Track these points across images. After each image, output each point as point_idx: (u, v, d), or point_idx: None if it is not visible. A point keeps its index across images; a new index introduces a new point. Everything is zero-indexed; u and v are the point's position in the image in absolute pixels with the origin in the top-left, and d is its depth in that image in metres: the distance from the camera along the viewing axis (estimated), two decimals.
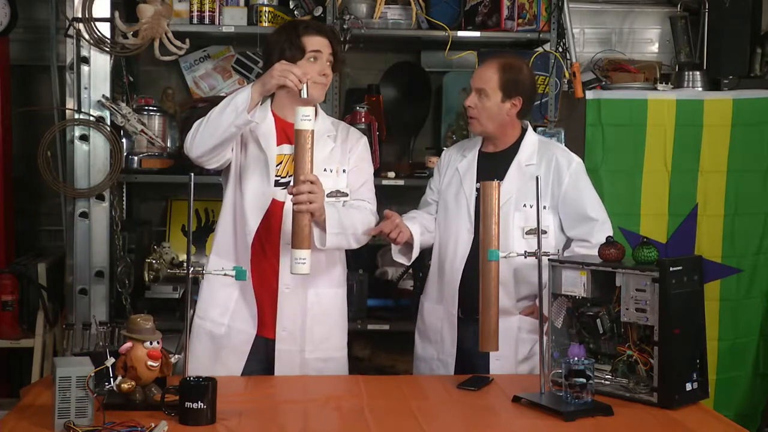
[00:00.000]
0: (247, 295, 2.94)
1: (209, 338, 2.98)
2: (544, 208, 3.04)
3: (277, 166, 2.94)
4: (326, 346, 3.02)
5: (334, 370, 3.03)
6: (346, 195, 2.99)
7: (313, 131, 2.68)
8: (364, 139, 3.11)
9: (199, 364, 2.84)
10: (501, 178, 3.05)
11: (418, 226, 3.12)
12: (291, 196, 2.73)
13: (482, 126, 3.11)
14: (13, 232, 4.27)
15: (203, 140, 2.82)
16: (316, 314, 2.98)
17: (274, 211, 2.92)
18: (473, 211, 3.08)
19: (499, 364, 3.03)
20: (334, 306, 3.05)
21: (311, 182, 2.71)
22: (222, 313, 2.97)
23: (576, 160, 3.14)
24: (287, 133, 2.93)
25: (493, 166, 3.13)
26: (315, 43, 2.91)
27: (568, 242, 3.12)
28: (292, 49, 2.88)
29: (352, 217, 2.93)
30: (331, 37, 2.95)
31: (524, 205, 3.05)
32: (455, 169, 3.21)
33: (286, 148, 2.94)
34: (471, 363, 3.06)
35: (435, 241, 3.23)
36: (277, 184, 2.93)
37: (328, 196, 2.87)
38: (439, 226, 3.22)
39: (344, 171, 3.01)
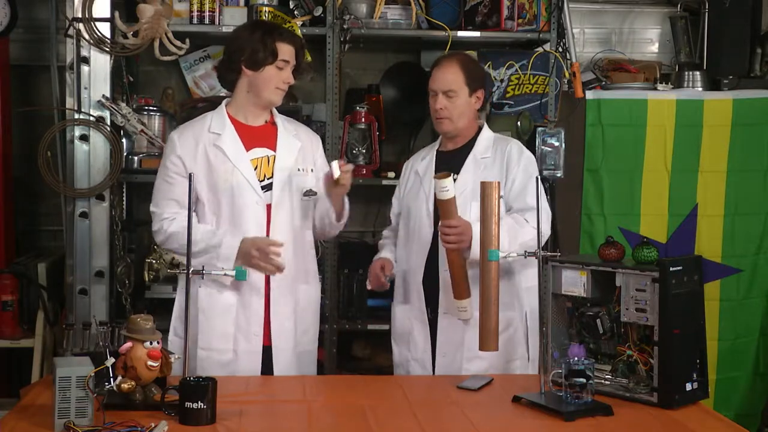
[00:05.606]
0: (244, 309, 2.97)
1: (219, 367, 2.95)
2: (500, 197, 3.04)
3: (254, 170, 2.98)
4: (305, 339, 3.09)
5: (307, 363, 3.09)
6: (315, 194, 3.06)
7: (454, 197, 2.93)
8: (318, 136, 3.22)
9: None
10: (457, 171, 3.11)
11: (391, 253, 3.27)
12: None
13: (454, 124, 3.17)
14: (13, 232, 4.26)
15: (173, 248, 3.09)
16: (300, 309, 3.05)
17: (266, 215, 2.98)
18: (432, 209, 3.12)
19: (445, 360, 3.07)
20: (312, 300, 3.13)
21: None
22: (225, 339, 2.98)
23: (528, 153, 3.18)
24: (252, 135, 3.01)
25: (451, 162, 3.18)
26: (285, 51, 3.00)
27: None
28: (265, 52, 2.95)
29: None
30: (299, 47, 3.06)
31: None
32: (415, 172, 3.26)
33: (258, 152, 3.01)
34: (441, 363, 3.09)
35: (399, 243, 3.25)
36: (262, 188, 2.98)
37: (303, 195, 3.01)
38: (402, 228, 3.25)
39: (311, 170, 3.09)
